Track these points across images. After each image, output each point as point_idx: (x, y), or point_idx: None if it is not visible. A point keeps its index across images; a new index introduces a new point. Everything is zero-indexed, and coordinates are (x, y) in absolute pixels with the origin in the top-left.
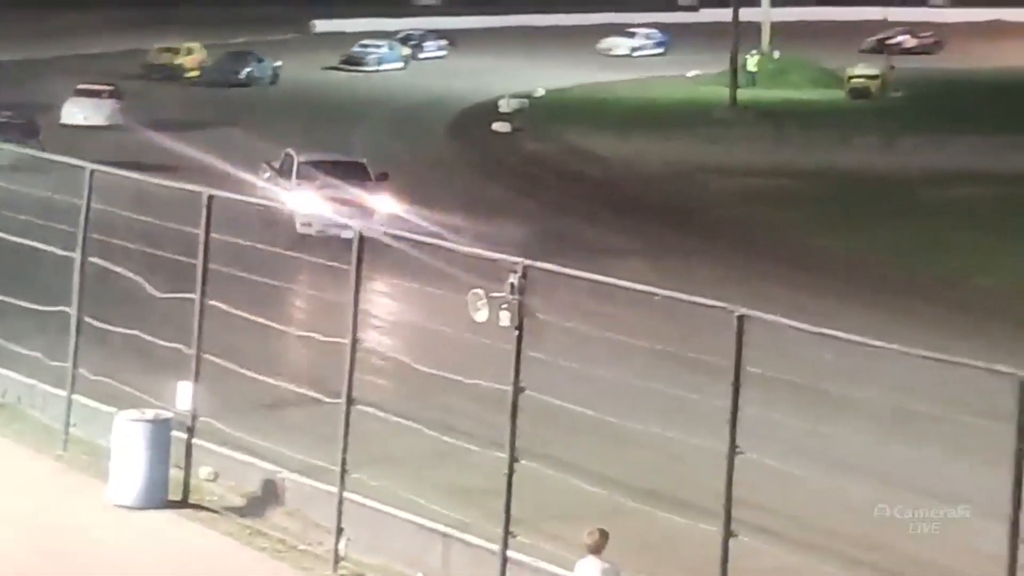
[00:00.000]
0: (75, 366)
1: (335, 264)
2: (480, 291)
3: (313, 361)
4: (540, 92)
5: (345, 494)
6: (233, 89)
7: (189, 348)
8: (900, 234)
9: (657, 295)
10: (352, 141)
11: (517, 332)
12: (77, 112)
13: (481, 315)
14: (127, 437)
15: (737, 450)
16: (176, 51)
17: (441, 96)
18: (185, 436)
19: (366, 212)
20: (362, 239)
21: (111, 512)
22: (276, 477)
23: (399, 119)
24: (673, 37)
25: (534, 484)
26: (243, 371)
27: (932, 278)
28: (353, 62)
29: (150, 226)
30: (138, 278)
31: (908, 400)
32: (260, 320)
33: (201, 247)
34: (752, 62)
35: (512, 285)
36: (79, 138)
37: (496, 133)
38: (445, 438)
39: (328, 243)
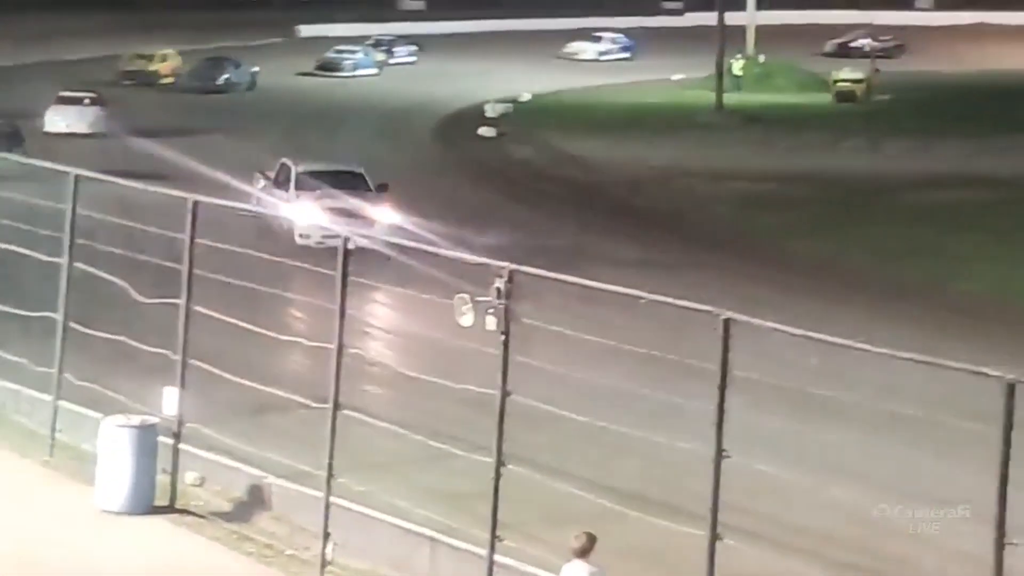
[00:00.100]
0: (61, 371)
1: (320, 269)
2: (466, 295)
3: (304, 367)
4: (526, 96)
5: (332, 499)
6: (211, 95)
7: (175, 354)
8: (886, 238)
9: (643, 299)
10: (340, 147)
11: (503, 337)
12: (59, 120)
13: (467, 319)
14: (114, 442)
15: (724, 454)
16: (150, 58)
17: (421, 101)
18: (171, 441)
19: (367, 223)
20: (347, 244)
21: (98, 517)
22: (263, 482)
23: (383, 125)
24: (656, 41)
25: (521, 488)
26: (230, 376)
27: (917, 282)
28: (328, 67)
29: (143, 233)
30: (123, 283)
31: (894, 403)
32: (251, 327)
33: (186, 252)
34: (737, 66)
35: (498, 290)
36: (64, 146)
37: (482, 138)
38: (431, 442)
39: (327, 253)
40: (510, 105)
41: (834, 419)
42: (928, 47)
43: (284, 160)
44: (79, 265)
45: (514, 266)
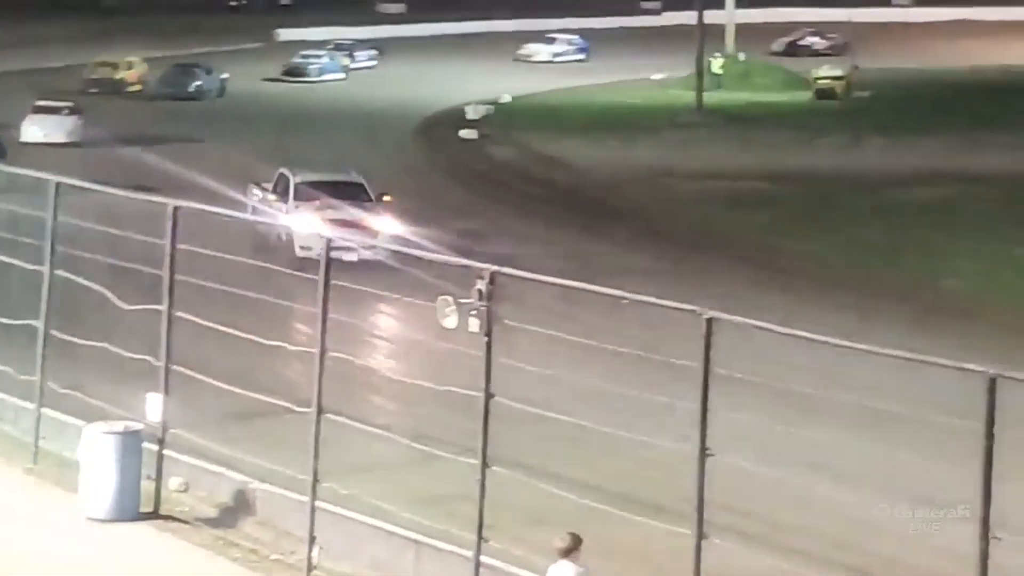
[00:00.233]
0: (43, 379)
1: (311, 276)
2: (448, 297)
3: (296, 372)
4: (506, 98)
5: (317, 503)
6: (182, 102)
7: (158, 360)
8: (868, 235)
9: (625, 299)
10: (323, 153)
11: (487, 338)
12: (37, 129)
13: (450, 321)
14: (97, 449)
15: (708, 452)
16: (116, 65)
17: (394, 105)
18: (155, 447)
19: (369, 234)
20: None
21: (83, 524)
22: (247, 487)
23: (362, 129)
24: (636, 40)
25: (507, 490)
26: (213, 382)
27: (900, 279)
28: (295, 73)
29: (131, 242)
30: (105, 291)
31: (879, 400)
32: (242, 334)
33: (167, 259)
34: (717, 64)
35: (480, 291)
36: (44, 156)
37: (464, 140)
38: (416, 445)
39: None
40: (491, 107)
41: (819, 416)
42: (907, 44)
43: (282, 170)
44: (60, 273)
45: (495, 267)
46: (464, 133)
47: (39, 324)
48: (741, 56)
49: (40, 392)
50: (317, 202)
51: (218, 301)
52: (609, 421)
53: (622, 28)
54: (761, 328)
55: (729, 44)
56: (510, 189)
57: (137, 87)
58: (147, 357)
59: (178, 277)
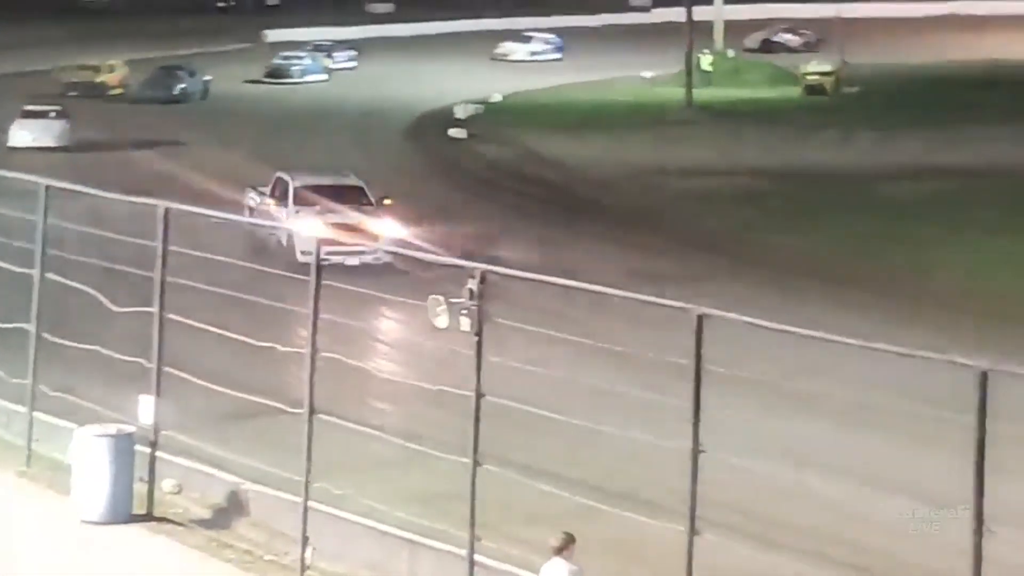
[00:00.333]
0: (35, 382)
1: (298, 276)
2: (439, 297)
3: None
4: (496, 97)
5: (309, 503)
6: (166, 105)
7: (150, 362)
8: (860, 230)
9: (616, 296)
10: (315, 155)
11: (477, 338)
12: (26, 134)
13: (441, 320)
14: (90, 452)
15: (700, 449)
16: (96, 68)
17: (380, 105)
18: (148, 450)
19: (371, 238)
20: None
21: (77, 527)
22: (240, 488)
23: (350, 130)
24: (628, 37)
25: (500, 488)
26: (209, 385)
27: (892, 274)
28: (277, 74)
29: (130, 244)
30: (97, 294)
31: (871, 395)
32: (240, 337)
33: (159, 260)
34: (706, 61)
35: (471, 291)
36: (34, 160)
37: (454, 140)
38: (411, 444)
39: (332, 269)
40: (480, 106)
41: (812, 411)
42: (896, 38)
43: (279, 174)
44: (52, 276)
45: (486, 266)
46: (454, 132)
47: (31, 327)
48: (730, 53)
49: (32, 395)
50: (317, 206)
51: (218, 305)
52: (603, 419)
53: (610, 26)
54: (752, 324)
55: (718, 40)
56: (502, 189)
57: (119, 90)
58: (139, 359)
59: (180, 281)
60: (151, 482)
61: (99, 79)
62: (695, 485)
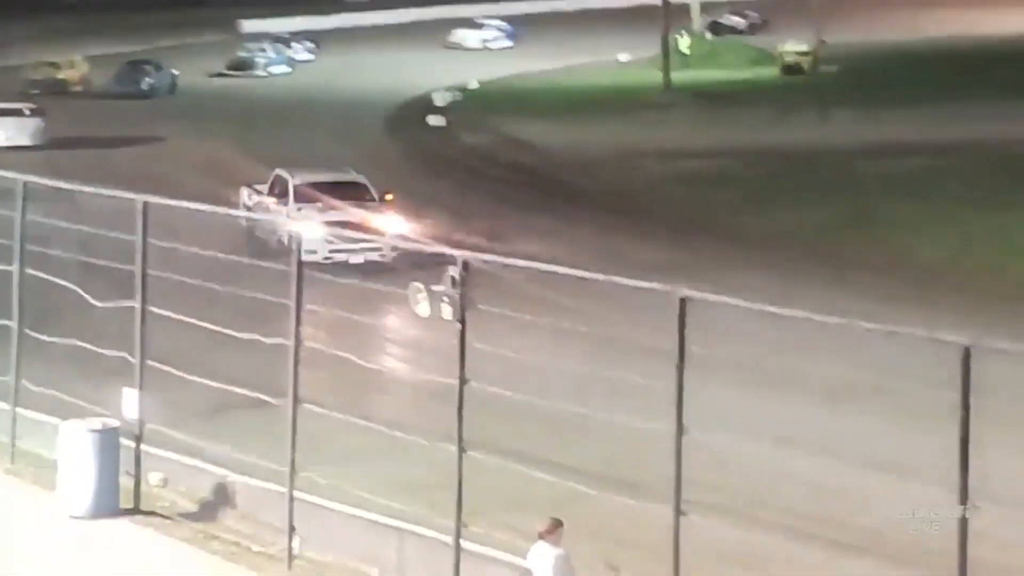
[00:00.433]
0: (18, 378)
1: (275, 265)
2: (419, 284)
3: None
4: (474, 84)
5: (295, 493)
6: (134, 100)
7: (134, 356)
8: (841, 209)
9: (598, 280)
10: (297, 148)
11: (460, 325)
12: (0, 133)
13: (422, 308)
14: (75, 447)
15: (684, 431)
16: (58, 65)
17: (353, 96)
18: (133, 444)
19: (375, 234)
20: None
21: (64, 523)
22: (226, 480)
23: (328, 121)
24: (603, 20)
25: (487, 475)
26: (189, 376)
27: (875, 252)
28: (242, 67)
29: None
30: (78, 289)
31: (855, 373)
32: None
33: (139, 254)
34: (684, 44)
35: (453, 278)
36: (10, 160)
37: (432, 128)
38: (397, 433)
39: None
40: (459, 93)
41: (796, 391)
42: (875, 16)
43: (278, 171)
44: (30, 271)
45: (468, 254)
46: (432, 120)
47: (12, 324)
48: (708, 35)
49: (15, 392)
50: (319, 204)
51: (215, 303)
52: (587, 403)
53: (583, 10)
54: (735, 305)
55: (695, 21)
56: (488, 178)
57: (79, 87)
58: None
59: (178, 278)
60: (137, 476)
61: (61, 76)
62: (680, 467)
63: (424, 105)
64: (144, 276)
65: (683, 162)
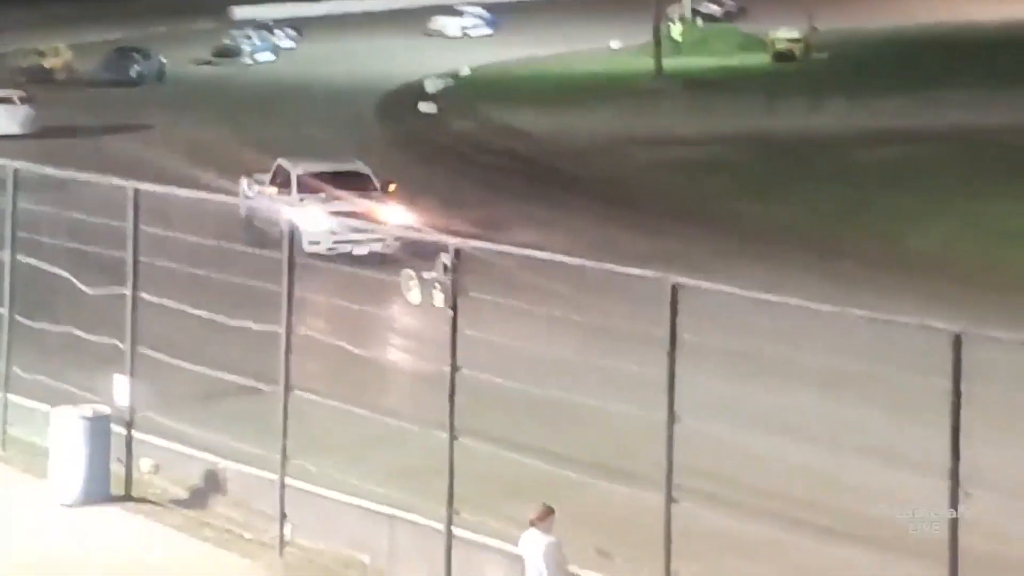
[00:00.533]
0: (8, 366)
1: (265, 253)
2: (411, 271)
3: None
4: (465, 71)
5: (287, 480)
6: (124, 88)
7: (124, 343)
8: (833, 197)
9: (591, 268)
10: (292, 135)
11: (452, 312)
12: None
13: (414, 295)
14: (66, 434)
15: (676, 418)
16: (43, 53)
17: (341, 82)
18: (124, 431)
19: (379, 225)
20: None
21: (55, 510)
22: (218, 467)
23: (319, 108)
24: (595, 8)
25: (478, 462)
26: (180, 363)
27: (866, 240)
28: (228, 54)
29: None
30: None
31: (847, 361)
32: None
33: (130, 241)
34: (676, 31)
35: (444, 266)
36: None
37: (424, 115)
38: (389, 420)
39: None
40: (450, 80)
41: (787, 379)
42: (866, 3)
43: (280, 161)
44: (24, 260)
45: (460, 241)
46: (424, 107)
47: (3, 311)
48: (699, 22)
49: (6, 379)
50: (323, 194)
51: (210, 291)
52: (579, 391)
53: None
54: (727, 292)
55: (686, 8)
56: (480, 165)
57: (63, 74)
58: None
59: (180, 267)
60: (128, 463)
61: (47, 64)
62: (671, 454)
63: (415, 92)
64: (136, 264)
65: (675, 149)
